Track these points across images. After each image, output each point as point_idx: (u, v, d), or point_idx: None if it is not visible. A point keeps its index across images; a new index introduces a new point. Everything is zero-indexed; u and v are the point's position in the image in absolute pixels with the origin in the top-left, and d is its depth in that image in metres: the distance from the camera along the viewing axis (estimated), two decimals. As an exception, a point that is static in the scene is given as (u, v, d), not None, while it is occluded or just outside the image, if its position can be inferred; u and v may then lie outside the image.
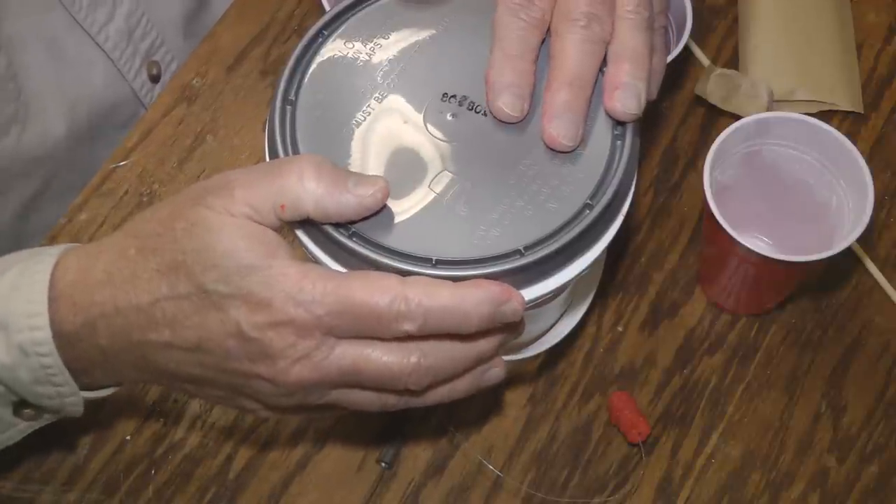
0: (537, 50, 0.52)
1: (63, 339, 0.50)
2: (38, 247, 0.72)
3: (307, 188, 0.47)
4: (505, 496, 0.67)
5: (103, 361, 0.51)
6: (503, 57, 0.51)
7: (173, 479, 0.67)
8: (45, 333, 0.49)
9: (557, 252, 0.49)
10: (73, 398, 0.52)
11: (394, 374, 0.48)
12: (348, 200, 0.47)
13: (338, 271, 0.49)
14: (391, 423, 0.68)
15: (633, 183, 0.53)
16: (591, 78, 0.52)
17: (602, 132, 0.52)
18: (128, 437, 0.68)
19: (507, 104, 0.51)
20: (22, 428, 0.55)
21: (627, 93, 0.51)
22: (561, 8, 0.52)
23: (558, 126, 0.50)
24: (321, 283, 0.46)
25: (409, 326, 0.46)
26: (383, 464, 0.67)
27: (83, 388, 0.52)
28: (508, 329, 0.51)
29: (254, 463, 0.68)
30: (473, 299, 0.46)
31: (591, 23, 0.51)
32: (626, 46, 0.52)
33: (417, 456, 0.68)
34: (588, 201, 0.50)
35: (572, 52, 0.51)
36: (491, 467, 0.67)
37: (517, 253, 0.49)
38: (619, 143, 0.52)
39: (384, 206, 0.49)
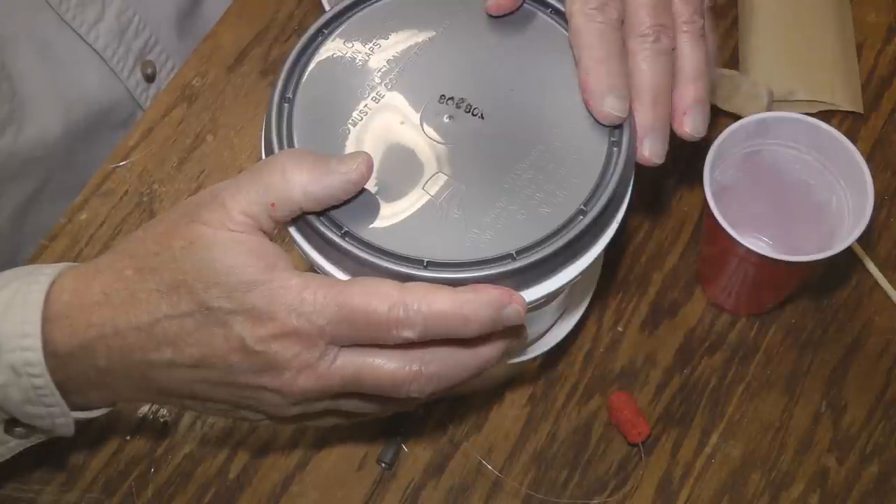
0: (622, 49, 0.53)
1: (58, 359, 0.49)
2: (35, 256, 0.73)
3: (292, 180, 0.47)
4: (505, 496, 0.67)
5: (100, 382, 0.51)
6: (595, 62, 0.52)
7: (173, 479, 0.67)
8: (37, 355, 0.49)
9: (549, 257, 0.49)
10: (63, 419, 0.52)
11: (395, 381, 0.48)
12: (333, 180, 0.47)
13: (339, 280, 0.49)
14: (391, 423, 0.68)
15: (630, 190, 0.53)
16: (669, 89, 0.53)
17: (598, 138, 0.52)
18: (128, 437, 0.68)
19: (615, 107, 0.51)
20: (12, 446, 0.55)
21: (696, 116, 0.53)
22: (630, 19, 0.53)
23: (650, 147, 0.52)
24: (321, 293, 0.46)
25: (408, 333, 0.46)
26: (383, 464, 0.67)
27: (76, 408, 0.52)
28: (512, 333, 0.50)
29: (254, 463, 0.68)
30: (473, 304, 0.46)
31: (660, 35, 0.52)
32: (687, 65, 0.53)
33: (417, 456, 0.68)
34: (582, 207, 0.50)
35: (648, 70, 0.52)
36: (490, 468, 0.67)
37: (509, 257, 0.48)
38: (615, 149, 0.52)
39: (378, 206, 0.49)
